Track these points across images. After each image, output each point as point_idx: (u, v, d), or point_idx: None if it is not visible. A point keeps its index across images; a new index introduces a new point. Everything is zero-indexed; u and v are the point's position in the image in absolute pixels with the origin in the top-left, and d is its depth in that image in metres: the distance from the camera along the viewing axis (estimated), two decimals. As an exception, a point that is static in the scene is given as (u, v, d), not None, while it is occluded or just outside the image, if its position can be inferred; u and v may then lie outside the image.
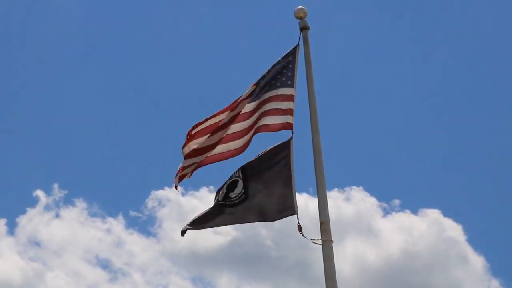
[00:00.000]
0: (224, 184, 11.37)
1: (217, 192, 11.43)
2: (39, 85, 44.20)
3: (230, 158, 11.60)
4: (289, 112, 11.29)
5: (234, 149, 11.57)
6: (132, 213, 38.80)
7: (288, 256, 35.14)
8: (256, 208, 11.13)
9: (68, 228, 38.61)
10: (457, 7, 43.28)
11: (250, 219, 11.24)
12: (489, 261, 35.07)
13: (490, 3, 42.86)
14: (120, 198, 41.97)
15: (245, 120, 11.62)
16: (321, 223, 10.78)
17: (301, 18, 12.03)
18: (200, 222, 11.39)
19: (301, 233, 10.64)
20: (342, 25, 43.09)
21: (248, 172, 11.26)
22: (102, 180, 42.29)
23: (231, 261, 35.80)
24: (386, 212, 39.25)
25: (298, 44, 11.88)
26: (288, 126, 11.26)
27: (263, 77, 11.73)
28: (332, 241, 10.62)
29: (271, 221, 11.17)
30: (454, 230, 35.35)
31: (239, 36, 43.16)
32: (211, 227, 11.48)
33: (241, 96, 11.76)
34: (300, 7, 12.09)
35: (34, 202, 39.93)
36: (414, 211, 37.87)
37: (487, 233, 37.50)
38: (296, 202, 10.88)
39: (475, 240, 35.77)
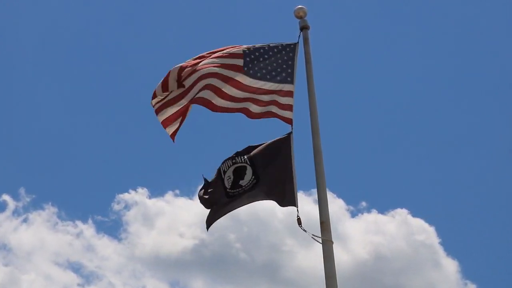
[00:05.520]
0: (222, 170, 11.42)
1: (218, 178, 11.43)
2: (2, 88, 43.74)
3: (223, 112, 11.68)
4: (288, 107, 11.49)
5: (230, 108, 11.64)
6: (98, 217, 38.64)
7: (258, 259, 35.21)
8: (267, 190, 11.20)
9: (37, 233, 38.33)
10: (458, 7, 43.52)
11: (261, 198, 11.27)
12: (462, 264, 35.34)
13: (494, 4, 43.07)
14: (88, 202, 41.70)
15: (242, 90, 11.68)
16: (321, 223, 10.78)
17: (301, 17, 12.12)
18: (217, 212, 11.45)
19: (301, 226, 10.65)
20: (342, 25, 43.24)
21: (254, 160, 11.35)
22: (68, 184, 41.99)
23: (201, 264, 35.79)
24: (354, 214, 39.40)
25: (298, 42, 11.99)
26: (288, 121, 11.42)
27: (256, 54, 11.89)
28: (332, 242, 10.65)
29: (278, 203, 11.15)
30: (424, 231, 35.62)
31: (239, 35, 43.19)
32: (228, 212, 11.46)
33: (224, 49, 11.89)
34: (300, 6, 12.18)
35: (2, 207, 39.52)
36: (382, 212, 38.13)
37: (459, 235, 37.78)
38: (296, 195, 10.92)
39: (447, 242, 36.02)
